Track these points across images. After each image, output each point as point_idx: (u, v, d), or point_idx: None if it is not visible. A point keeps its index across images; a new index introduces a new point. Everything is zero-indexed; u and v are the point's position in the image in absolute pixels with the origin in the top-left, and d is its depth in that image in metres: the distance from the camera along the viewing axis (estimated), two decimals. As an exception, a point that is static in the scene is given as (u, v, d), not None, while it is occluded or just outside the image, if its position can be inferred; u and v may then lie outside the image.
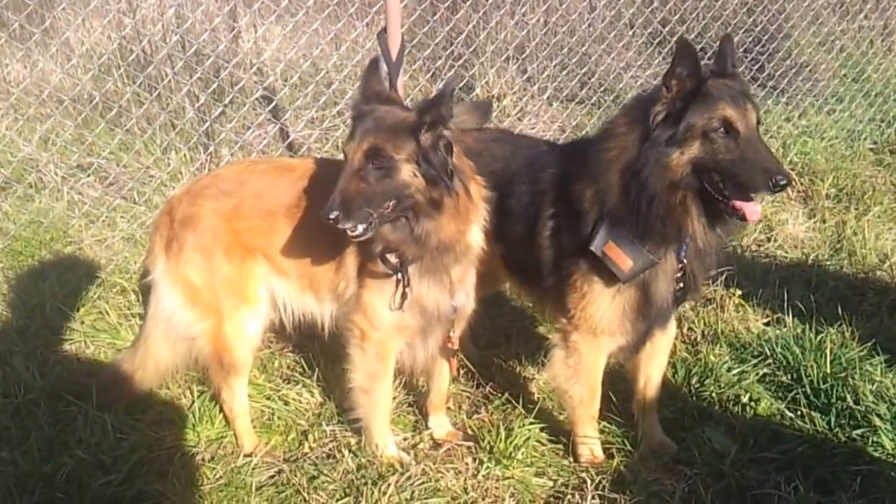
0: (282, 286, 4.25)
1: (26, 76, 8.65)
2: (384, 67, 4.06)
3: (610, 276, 3.78)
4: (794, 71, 9.54)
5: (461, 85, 8.34)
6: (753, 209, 3.53)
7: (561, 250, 3.98)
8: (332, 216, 3.47)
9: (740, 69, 8.97)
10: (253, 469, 4.22)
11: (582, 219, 3.83)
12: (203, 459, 4.33)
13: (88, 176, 7.35)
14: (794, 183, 7.56)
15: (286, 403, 4.80)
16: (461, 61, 8.16)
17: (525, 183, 4.17)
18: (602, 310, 3.89)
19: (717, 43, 3.83)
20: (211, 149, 7.46)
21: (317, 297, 4.22)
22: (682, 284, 3.87)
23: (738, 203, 3.50)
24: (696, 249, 3.76)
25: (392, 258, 3.77)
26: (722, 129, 3.46)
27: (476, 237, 3.90)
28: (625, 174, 3.64)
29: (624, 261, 3.67)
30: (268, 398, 4.84)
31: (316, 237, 4.00)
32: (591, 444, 4.28)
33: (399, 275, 3.81)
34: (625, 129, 3.72)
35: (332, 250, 4.03)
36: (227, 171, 4.35)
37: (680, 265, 3.81)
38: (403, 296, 3.85)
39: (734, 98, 3.51)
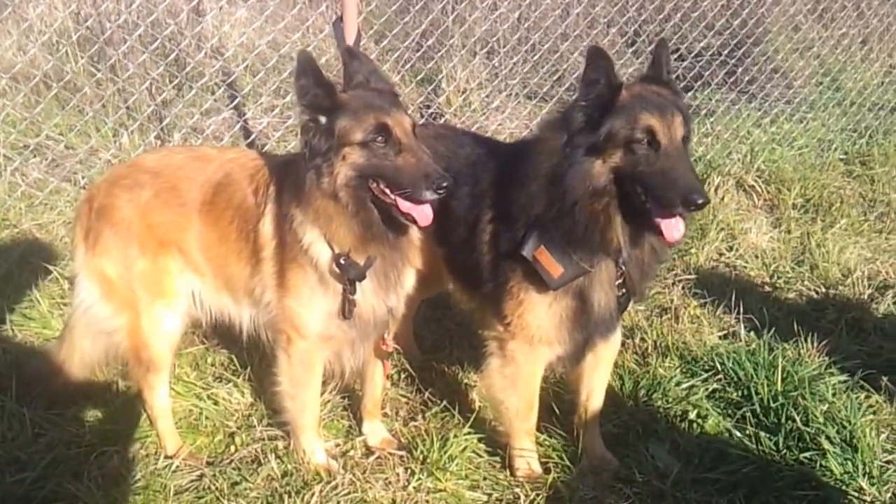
0: (198, 283, 4.07)
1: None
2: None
3: (545, 284, 3.62)
4: (763, 76, 9.39)
5: (419, 77, 8.14)
6: (673, 229, 3.39)
7: (499, 255, 3.84)
8: (445, 185, 3.37)
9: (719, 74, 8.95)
10: (173, 472, 4.06)
11: (515, 223, 3.70)
12: (122, 460, 4.12)
13: (35, 157, 7.09)
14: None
15: (216, 403, 4.61)
16: (419, 53, 7.94)
17: (467, 184, 4.03)
18: (538, 318, 3.75)
19: (653, 47, 3.72)
20: (157, 131, 7.20)
21: (234, 298, 4.04)
22: (624, 291, 3.73)
23: (658, 220, 3.39)
24: (634, 257, 3.63)
25: (360, 260, 3.58)
26: (645, 139, 3.34)
27: (416, 232, 3.78)
28: (549, 180, 3.53)
29: (555, 267, 3.54)
30: (197, 397, 4.64)
31: (230, 237, 3.86)
32: (528, 458, 4.12)
33: (347, 284, 3.62)
34: (550, 134, 3.61)
35: (247, 252, 3.86)
36: (145, 160, 4.16)
37: (620, 272, 3.66)
38: (352, 304, 3.67)
39: (661, 108, 3.38)
